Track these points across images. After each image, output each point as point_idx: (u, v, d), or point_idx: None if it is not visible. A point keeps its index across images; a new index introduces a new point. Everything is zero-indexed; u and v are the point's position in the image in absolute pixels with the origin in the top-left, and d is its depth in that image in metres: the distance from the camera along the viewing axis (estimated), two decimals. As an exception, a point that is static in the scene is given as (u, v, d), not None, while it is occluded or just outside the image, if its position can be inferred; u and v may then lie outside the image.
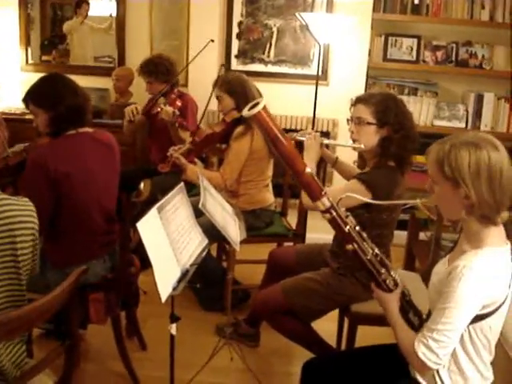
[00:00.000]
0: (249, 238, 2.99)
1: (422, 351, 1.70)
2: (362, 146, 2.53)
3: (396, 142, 2.48)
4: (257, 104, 1.73)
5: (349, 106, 2.64)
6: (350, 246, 1.85)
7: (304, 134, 2.77)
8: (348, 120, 2.62)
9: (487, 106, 4.61)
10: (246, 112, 1.74)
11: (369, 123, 2.50)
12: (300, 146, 2.70)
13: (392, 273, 1.93)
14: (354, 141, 2.58)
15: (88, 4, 5.09)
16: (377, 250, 1.90)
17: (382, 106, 2.49)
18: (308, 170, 1.80)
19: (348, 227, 1.83)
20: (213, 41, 4.04)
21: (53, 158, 2.45)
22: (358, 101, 2.56)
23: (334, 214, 1.81)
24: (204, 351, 3.01)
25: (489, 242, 1.71)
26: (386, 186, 2.47)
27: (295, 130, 3.50)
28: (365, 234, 1.89)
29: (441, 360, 1.70)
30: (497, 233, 1.73)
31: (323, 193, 1.80)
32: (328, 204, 1.80)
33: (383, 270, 1.90)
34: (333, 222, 1.83)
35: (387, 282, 1.90)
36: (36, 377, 1.86)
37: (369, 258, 1.86)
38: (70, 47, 5.22)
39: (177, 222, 2.10)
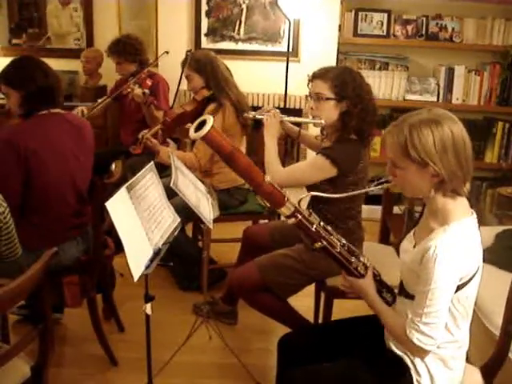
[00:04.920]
0: (224, 216, 2.98)
1: (416, 338, 1.70)
2: (323, 121, 2.51)
3: (356, 115, 2.47)
4: (203, 123, 1.77)
5: (306, 82, 2.61)
6: (318, 244, 1.88)
7: (262, 112, 2.75)
8: (307, 96, 2.61)
9: (458, 79, 4.63)
10: (192, 134, 1.79)
11: (328, 98, 2.49)
12: (260, 123, 2.71)
13: (361, 258, 1.96)
14: (314, 117, 2.56)
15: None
16: (344, 241, 1.94)
17: (339, 80, 2.48)
18: (267, 178, 1.86)
19: (315, 226, 1.87)
20: (167, 52, 3.92)
21: (22, 135, 2.45)
22: (315, 77, 2.54)
23: (300, 216, 1.86)
24: (182, 331, 3.02)
25: (455, 215, 1.71)
26: (351, 160, 2.48)
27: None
28: (329, 228, 1.92)
29: (436, 341, 1.70)
30: (461, 204, 1.74)
31: (286, 199, 1.85)
32: (292, 209, 1.86)
33: (353, 259, 1.93)
34: (299, 225, 1.88)
35: (358, 268, 1.93)
36: (11, 362, 1.84)
37: (338, 250, 1.91)
38: (50, 32, 5.15)
39: (147, 201, 2.08)
